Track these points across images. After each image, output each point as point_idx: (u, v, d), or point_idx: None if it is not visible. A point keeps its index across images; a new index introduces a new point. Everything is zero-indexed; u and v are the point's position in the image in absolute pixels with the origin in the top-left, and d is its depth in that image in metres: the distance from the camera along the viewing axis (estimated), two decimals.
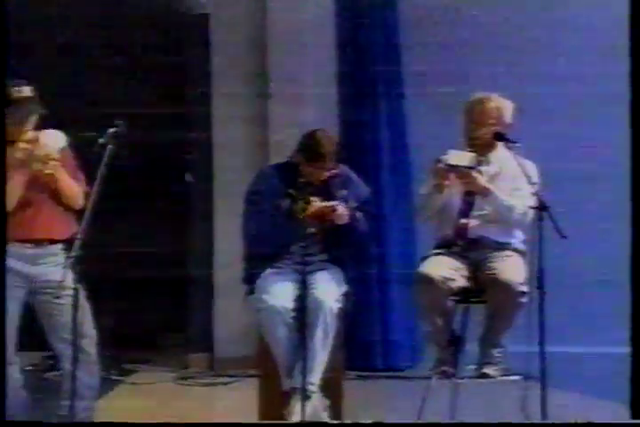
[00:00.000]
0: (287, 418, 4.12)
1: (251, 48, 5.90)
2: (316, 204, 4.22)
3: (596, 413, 4.68)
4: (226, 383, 5.69)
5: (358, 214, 4.36)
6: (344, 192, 4.35)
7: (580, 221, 4.83)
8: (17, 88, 4.15)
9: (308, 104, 5.74)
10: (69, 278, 3.97)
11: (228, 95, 5.91)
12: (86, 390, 4.16)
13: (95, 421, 4.25)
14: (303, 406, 4.05)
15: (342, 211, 4.26)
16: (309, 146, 4.29)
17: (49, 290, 4.15)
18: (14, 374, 4.22)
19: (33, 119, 4.18)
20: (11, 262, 4.14)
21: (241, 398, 4.78)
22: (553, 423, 3.65)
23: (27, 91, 4.16)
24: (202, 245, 6.04)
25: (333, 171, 4.33)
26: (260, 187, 4.42)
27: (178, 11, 5.93)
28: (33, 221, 4.16)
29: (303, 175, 4.31)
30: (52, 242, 4.20)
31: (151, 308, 6.00)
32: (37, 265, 4.19)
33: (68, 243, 4.05)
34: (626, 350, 3.97)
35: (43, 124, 4.20)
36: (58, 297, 4.10)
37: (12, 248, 4.15)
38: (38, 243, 4.19)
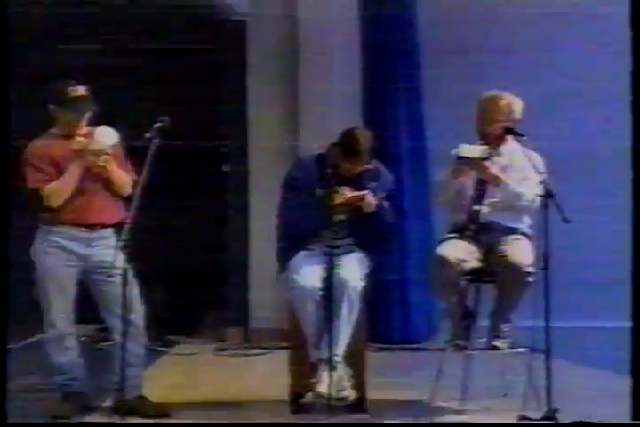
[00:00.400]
0: (315, 386, 4.15)
1: (283, 50, 5.93)
2: (347, 194, 4.25)
3: (596, 382, 4.78)
4: (259, 354, 5.75)
5: (384, 204, 4.37)
6: (373, 184, 4.36)
7: (584, 204, 4.84)
8: (73, 88, 4.25)
9: (335, 101, 5.77)
10: (120, 259, 4.03)
11: (261, 95, 5.96)
12: (134, 360, 4.23)
13: (138, 391, 4.33)
14: (329, 376, 4.07)
15: (370, 200, 4.28)
16: (348, 143, 4.29)
17: (102, 269, 4.22)
18: (71, 343, 4.35)
19: (87, 116, 4.27)
20: (67, 244, 4.26)
21: (273, 368, 4.82)
22: (553, 423, 3.59)
23: (82, 90, 4.26)
24: (238, 229, 6.06)
25: (367, 166, 4.35)
26: (298, 174, 4.42)
27: (217, 17, 5.96)
28: (87, 208, 4.25)
29: (338, 168, 4.32)
30: (104, 226, 4.29)
31: (192, 286, 6.03)
32: (91, 247, 4.28)
33: (118, 227, 4.12)
34: (626, 324, 3.94)
35: (96, 121, 4.29)
36: (109, 276, 4.17)
37: (69, 231, 4.26)
38: (92, 227, 4.28)
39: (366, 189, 4.33)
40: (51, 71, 5.17)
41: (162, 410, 4.32)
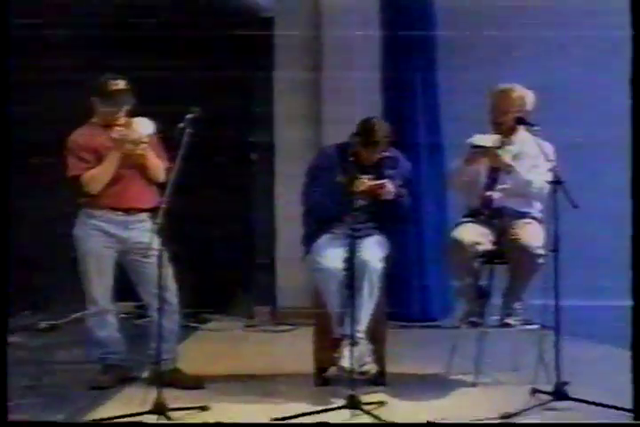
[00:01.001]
0: (338, 361, 4.15)
1: (308, 46, 5.91)
2: (368, 182, 4.24)
3: (600, 354, 4.78)
4: (286, 331, 5.77)
5: (402, 191, 4.38)
6: (392, 172, 4.36)
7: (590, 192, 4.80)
8: (113, 81, 4.28)
9: (356, 93, 5.72)
10: (155, 241, 4.06)
11: (287, 88, 5.95)
12: (169, 335, 4.25)
13: (174, 363, 4.35)
14: (351, 351, 4.07)
15: (389, 188, 4.28)
16: (366, 132, 4.29)
17: (138, 251, 4.27)
18: (112, 320, 4.39)
19: (126, 108, 4.30)
20: (106, 227, 4.29)
21: (299, 344, 4.80)
22: (553, 424, 3.50)
23: (122, 84, 4.29)
24: (265, 214, 6.07)
25: (384, 153, 4.35)
26: (321, 163, 4.43)
27: (245, 14, 5.97)
28: (124, 193, 4.28)
29: (358, 156, 4.31)
30: (140, 210, 4.32)
31: (223, 267, 6.05)
32: (129, 230, 4.30)
33: (154, 211, 4.14)
34: (627, 303, 3.87)
35: (134, 113, 4.31)
36: (145, 257, 4.22)
37: (107, 215, 4.29)
38: (128, 211, 4.30)
39: (385, 176, 4.33)
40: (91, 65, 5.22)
41: (196, 381, 4.36)
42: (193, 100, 4.13)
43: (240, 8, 5.89)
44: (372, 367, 4.22)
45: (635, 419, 3.26)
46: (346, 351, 4.12)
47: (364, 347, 4.20)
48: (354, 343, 4.09)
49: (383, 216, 4.38)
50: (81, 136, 4.32)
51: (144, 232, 4.24)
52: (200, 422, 3.80)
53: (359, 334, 4.18)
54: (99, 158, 4.25)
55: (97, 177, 4.23)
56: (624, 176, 3.88)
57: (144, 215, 4.32)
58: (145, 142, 4.24)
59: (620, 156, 4.11)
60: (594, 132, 5.24)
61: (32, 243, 5.78)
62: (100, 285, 4.30)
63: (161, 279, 4.03)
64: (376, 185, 4.26)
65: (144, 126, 4.24)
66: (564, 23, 5.51)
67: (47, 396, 4.16)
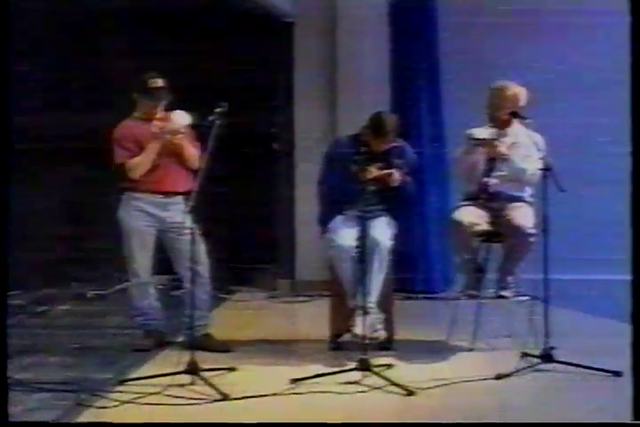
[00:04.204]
0: (351, 328, 4.17)
1: (325, 48, 5.92)
2: (377, 171, 4.23)
3: (592, 326, 4.79)
4: (304, 302, 5.79)
5: (408, 178, 4.38)
6: (399, 161, 4.35)
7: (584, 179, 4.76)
8: (153, 80, 4.29)
9: (368, 91, 5.73)
10: (188, 221, 4.09)
11: (306, 87, 5.96)
12: (201, 304, 4.27)
13: (205, 330, 4.36)
14: (363, 319, 4.06)
15: (396, 176, 4.29)
16: (376, 124, 4.28)
17: (174, 229, 4.30)
18: (151, 290, 4.43)
19: (164, 103, 4.32)
20: (147, 208, 4.32)
21: (316, 314, 4.82)
22: (553, 423, 3.35)
23: (160, 82, 4.30)
24: (286, 198, 6.10)
25: (392, 144, 4.35)
26: (335, 153, 4.42)
27: (270, 19, 5.99)
28: (163, 178, 4.31)
29: (369, 146, 4.28)
30: (177, 194, 4.34)
31: (249, 244, 6.05)
32: (166, 211, 4.34)
33: (188, 194, 4.13)
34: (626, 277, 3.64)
35: (171, 107, 4.32)
36: (180, 235, 4.25)
37: (148, 197, 4.31)
38: (166, 194, 4.33)
39: (393, 164, 4.32)
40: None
41: (224, 346, 4.39)
42: (222, 96, 4.12)
43: (264, 13, 5.90)
44: (381, 334, 4.23)
45: (634, 419, 3.15)
46: (358, 320, 4.12)
47: (375, 316, 4.21)
48: (365, 313, 4.10)
49: (391, 200, 4.39)
50: (124, 128, 4.34)
51: (179, 213, 4.27)
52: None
53: (370, 305, 4.19)
54: (140, 148, 4.28)
55: (139, 164, 4.26)
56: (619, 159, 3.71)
57: (179, 198, 4.33)
58: (182, 133, 4.26)
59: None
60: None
61: (85, 227, 5.85)
62: (142, 259, 4.33)
63: (193, 254, 4.04)
64: (384, 173, 4.26)
65: (181, 118, 4.25)
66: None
67: (95, 356, 4.21)
